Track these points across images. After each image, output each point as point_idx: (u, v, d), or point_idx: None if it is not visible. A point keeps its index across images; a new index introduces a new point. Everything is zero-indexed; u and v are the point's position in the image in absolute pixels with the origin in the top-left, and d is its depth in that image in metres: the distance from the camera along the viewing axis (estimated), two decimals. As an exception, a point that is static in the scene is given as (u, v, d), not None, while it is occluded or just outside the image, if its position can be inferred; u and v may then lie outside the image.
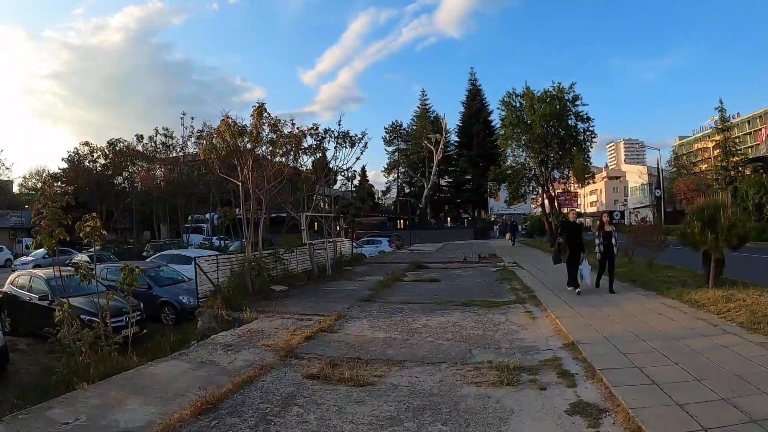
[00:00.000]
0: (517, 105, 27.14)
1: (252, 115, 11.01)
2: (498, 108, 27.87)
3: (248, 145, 11.43)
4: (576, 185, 27.53)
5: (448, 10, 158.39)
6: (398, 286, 12.62)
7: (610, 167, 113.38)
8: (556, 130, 25.86)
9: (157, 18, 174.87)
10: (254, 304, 10.45)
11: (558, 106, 25.28)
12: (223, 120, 11.15)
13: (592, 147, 26.24)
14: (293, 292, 12.51)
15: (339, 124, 16.02)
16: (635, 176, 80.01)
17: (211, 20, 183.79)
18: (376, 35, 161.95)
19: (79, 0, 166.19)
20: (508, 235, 35.63)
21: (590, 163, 25.83)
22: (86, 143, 37.64)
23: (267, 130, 11.52)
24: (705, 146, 64.91)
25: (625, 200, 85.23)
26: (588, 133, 26.68)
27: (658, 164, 65.29)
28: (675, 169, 61.77)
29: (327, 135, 15.49)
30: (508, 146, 28.70)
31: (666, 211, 60.97)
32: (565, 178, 27.29)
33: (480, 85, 61.35)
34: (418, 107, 64.86)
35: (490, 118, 57.27)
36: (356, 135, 16.57)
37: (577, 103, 26.21)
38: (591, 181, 25.75)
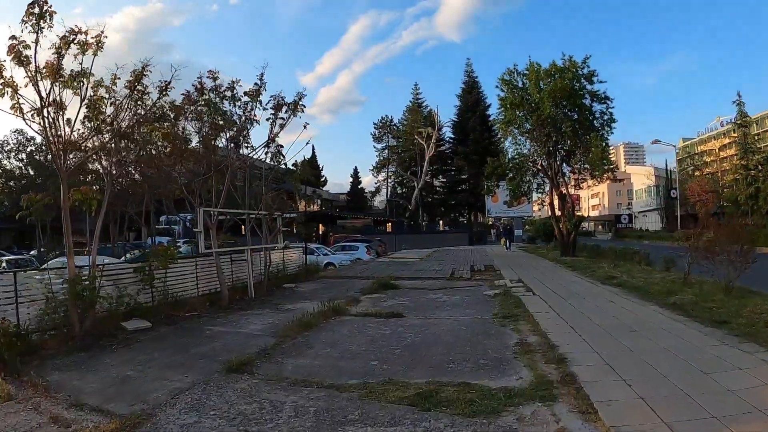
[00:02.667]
0: (520, 85, 22.20)
1: (24, 20, 5.97)
2: (497, 87, 22.88)
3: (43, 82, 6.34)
4: (590, 182, 22.40)
5: (449, 14, 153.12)
6: (329, 329, 7.54)
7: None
8: (568, 111, 20.88)
9: (156, 18, 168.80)
10: (54, 360, 5.75)
11: (569, 81, 20.28)
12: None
13: (611, 133, 21.24)
14: (156, 333, 7.60)
15: (260, 79, 10.65)
16: (641, 178, 74.97)
17: (210, 21, 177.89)
18: (375, 38, 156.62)
19: (78, 0, 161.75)
20: (503, 240, 32.05)
21: (610, 153, 20.76)
22: (19, 131, 32.72)
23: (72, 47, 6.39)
24: (713, 147, 60.31)
25: (629, 204, 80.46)
26: (606, 117, 21.72)
27: (666, 165, 60.57)
28: (691, 168, 56.93)
29: (229, 90, 10.21)
30: (508, 134, 23.71)
31: (675, 215, 55.94)
32: (576, 172, 22.19)
33: (477, 77, 56.41)
34: (411, 101, 59.77)
35: (487, 112, 52.31)
36: (294, 101, 11.42)
37: (593, 79, 21.28)
38: (611, 176, 20.56)
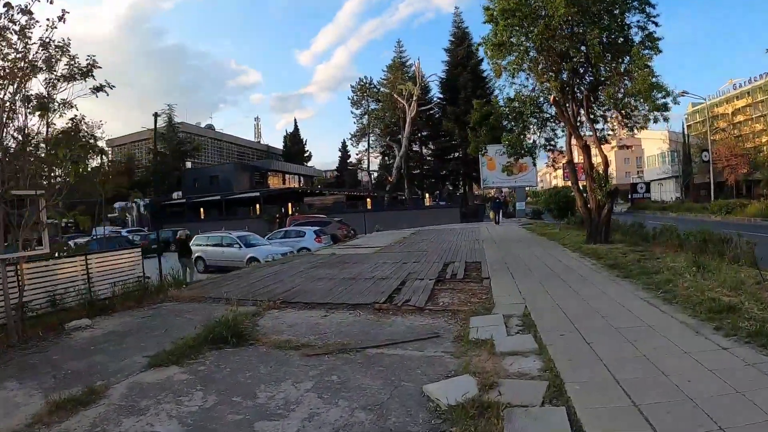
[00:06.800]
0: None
1: None
2: (485, -4, 15.37)
3: None
4: (623, 132, 15.19)
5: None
6: None
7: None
8: (593, 20, 13.51)
9: (148, 2, 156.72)
10: None
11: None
12: None
13: (658, 52, 13.88)
14: None
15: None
16: (655, 143, 66.86)
17: (202, 2, 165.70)
18: (371, 12, 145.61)
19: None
20: (492, 214, 29.06)
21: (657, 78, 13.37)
22: None
23: None
24: (734, 107, 52.68)
25: (639, 172, 72.99)
26: (646, 32, 14.37)
27: (683, 127, 53.02)
28: (722, 128, 49.48)
29: None
30: (502, 66, 16.27)
31: (696, 183, 48.78)
32: (606, 116, 14.99)
33: (467, 28, 48.21)
34: (393, 59, 51.64)
35: (481, 67, 44.54)
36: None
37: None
38: (661, 116, 13.14)
